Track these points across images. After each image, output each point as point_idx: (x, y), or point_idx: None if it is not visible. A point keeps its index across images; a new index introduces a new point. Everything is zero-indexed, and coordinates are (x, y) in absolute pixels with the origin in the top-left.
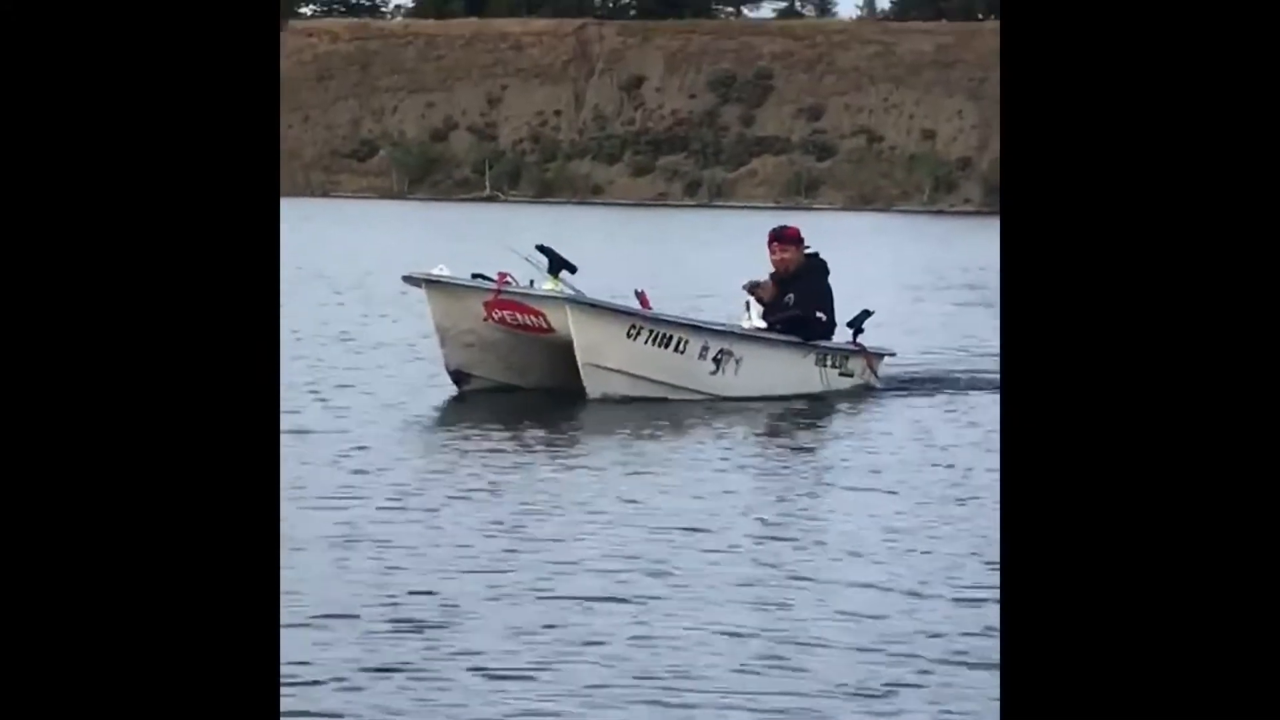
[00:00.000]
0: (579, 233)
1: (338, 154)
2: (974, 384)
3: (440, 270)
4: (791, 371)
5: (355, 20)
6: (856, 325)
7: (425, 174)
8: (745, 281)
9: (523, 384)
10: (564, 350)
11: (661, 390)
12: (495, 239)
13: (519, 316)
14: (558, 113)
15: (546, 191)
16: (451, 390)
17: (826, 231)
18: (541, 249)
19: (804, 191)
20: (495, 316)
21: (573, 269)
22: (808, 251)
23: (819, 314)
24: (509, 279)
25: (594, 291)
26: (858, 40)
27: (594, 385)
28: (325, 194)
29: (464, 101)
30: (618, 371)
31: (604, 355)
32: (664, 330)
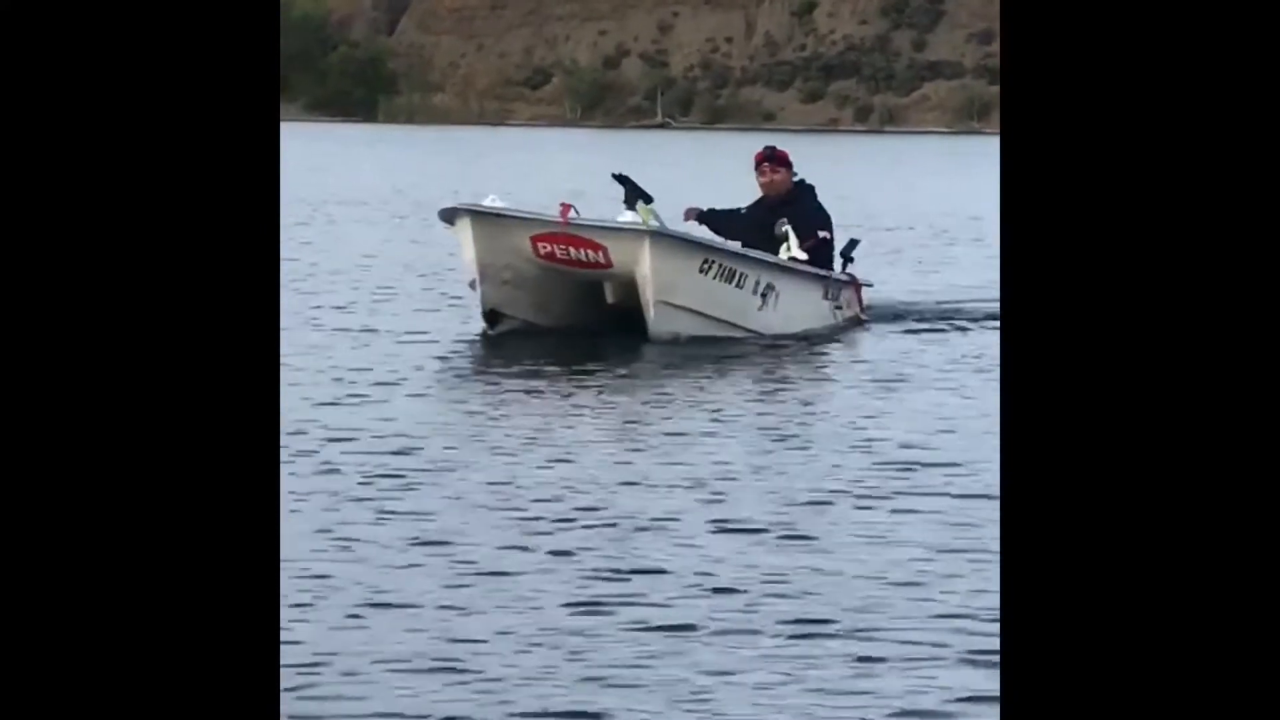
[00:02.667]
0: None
1: (511, 82)
2: (958, 315)
3: (492, 201)
4: (810, 306)
5: None
6: (847, 255)
7: (597, 101)
8: (689, 208)
9: (547, 323)
10: (596, 288)
11: (720, 329)
12: (664, 166)
13: (574, 251)
14: (729, 39)
15: (717, 118)
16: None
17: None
18: (619, 178)
19: (976, 116)
20: (543, 251)
21: (649, 199)
22: (795, 179)
23: (821, 233)
24: (573, 210)
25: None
26: None
27: (661, 324)
28: (500, 122)
29: (636, 28)
30: (686, 309)
31: (676, 292)
32: (731, 264)
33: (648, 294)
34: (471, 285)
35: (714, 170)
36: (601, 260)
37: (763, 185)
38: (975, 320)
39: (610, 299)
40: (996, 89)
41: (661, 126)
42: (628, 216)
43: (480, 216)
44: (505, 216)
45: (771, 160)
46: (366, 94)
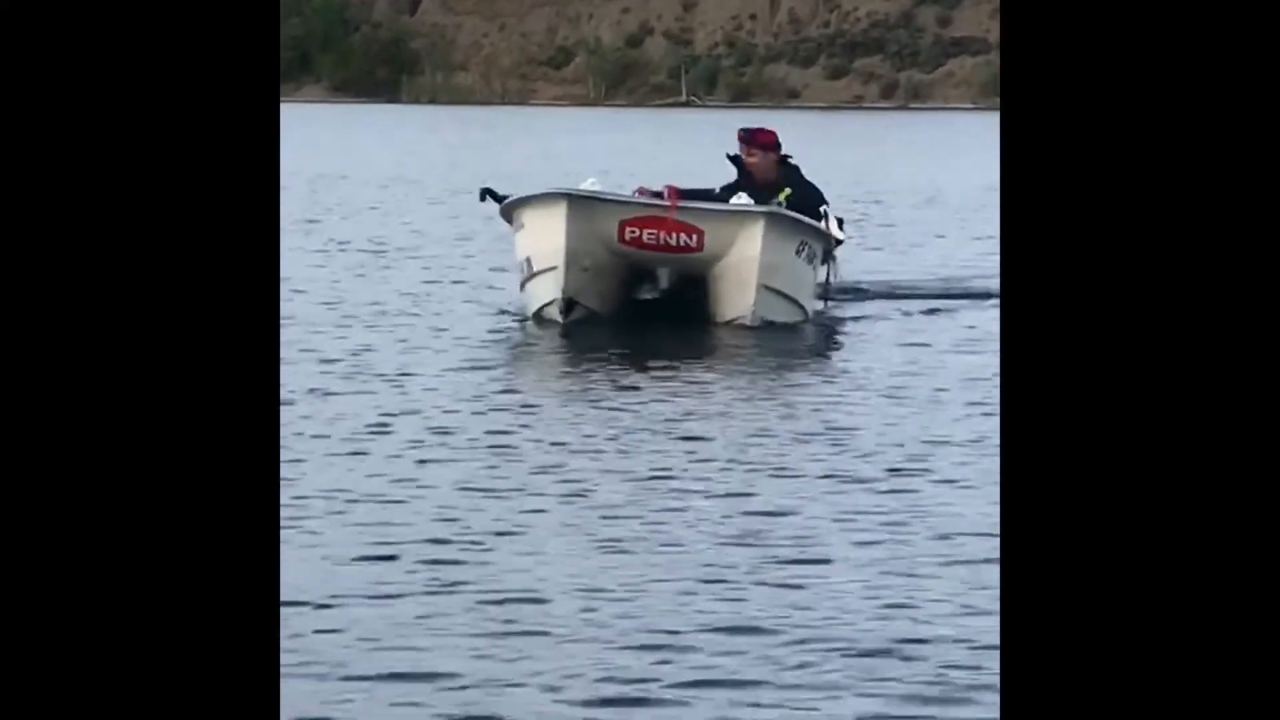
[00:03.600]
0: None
1: (534, 62)
2: (925, 293)
3: (591, 184)
4: (819, 284)
5: None
6: None
7: (621, 80)
8: (641, 189)
9: (603, 311)
10: (649, 274)
11: (796, 313)
12: (691, 145)
13: (664, 235)
14: (753, 16)
15: (742, 96)
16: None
17: None
18: (733, 158)
19: None
20: (630, 236)
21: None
22: (784, 157)
23: (823, 209)
24: (678, 193)
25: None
26: None
27: (763, 310)
28: (523, 102)
29: (659, 7)
30: (779, 293)
31: (777, 275)
32: (815, 245)
33: (751, 278)
34: (530, 277)
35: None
36: (692, 244)
37: (751, 165)
38: (951, 298)
39: (664, 284)
40: None
41: (686, 105)
42: (742, 199)
43: (578, 201)
44: (607, 201)
45: (751, 143)
46: (390, 74)
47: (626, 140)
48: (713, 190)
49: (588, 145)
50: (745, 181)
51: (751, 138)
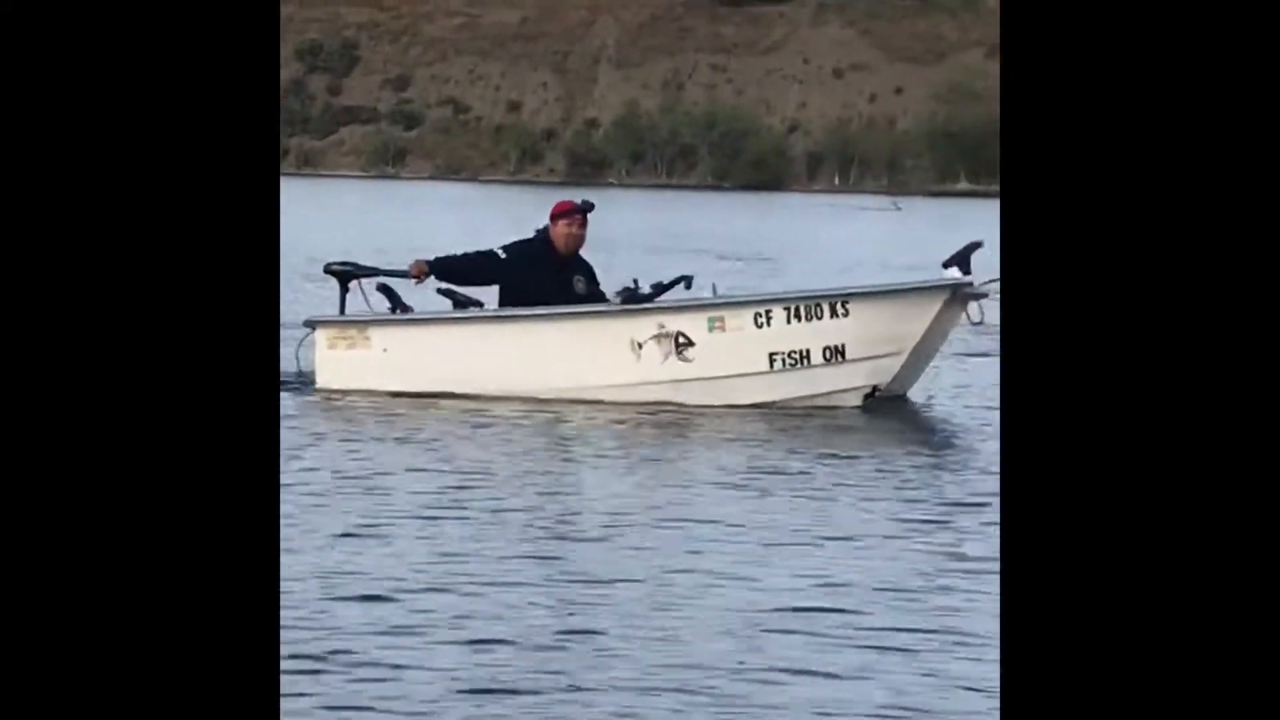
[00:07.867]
0: None
1: None
2: None
3: (956, 274)
4: None
5: None
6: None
7: None
8: (414, 261)
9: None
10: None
11: None
12: None
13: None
14: None
15: None
16: None
17: (415, 200)
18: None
19: (391, 161)
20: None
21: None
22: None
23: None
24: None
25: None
26: (443, 12)
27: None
28: None
29: None
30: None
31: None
32: None
33: (932, 350)
34: (828, 363)
35: None
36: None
37: (569, 238)
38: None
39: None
40: (411, 134)
41: None
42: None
43: (961, 292)
44: (974, 293)
45: (585, 212)
46: None
47: None
48: (492, 252)
49: None
50: (547, 250)
51: (586, 207)
